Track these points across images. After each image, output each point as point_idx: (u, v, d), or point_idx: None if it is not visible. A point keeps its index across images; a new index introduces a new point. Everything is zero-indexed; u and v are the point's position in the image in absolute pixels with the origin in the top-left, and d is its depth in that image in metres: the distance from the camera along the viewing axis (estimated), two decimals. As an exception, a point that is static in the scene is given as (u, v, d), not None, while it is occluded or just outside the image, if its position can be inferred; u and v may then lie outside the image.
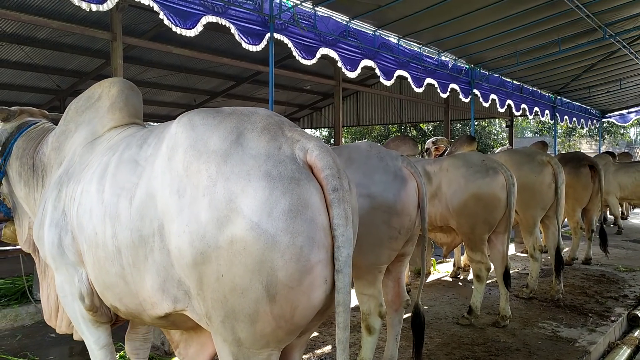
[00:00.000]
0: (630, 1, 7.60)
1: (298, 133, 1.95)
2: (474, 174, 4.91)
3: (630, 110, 16.79)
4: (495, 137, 29.54)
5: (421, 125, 27.45)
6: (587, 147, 34.94)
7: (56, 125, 3.09)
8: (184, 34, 4.91)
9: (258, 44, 5.54)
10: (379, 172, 3.41)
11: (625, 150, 15.51)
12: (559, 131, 29.86)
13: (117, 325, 2.82)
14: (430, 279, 7.12)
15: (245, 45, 5.46)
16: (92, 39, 9.99)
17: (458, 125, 26.82)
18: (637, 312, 5.67)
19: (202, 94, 17.66)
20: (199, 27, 5.00)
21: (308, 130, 27.09)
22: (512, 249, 9.33)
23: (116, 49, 6.95)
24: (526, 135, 42.99)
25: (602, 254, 7.96)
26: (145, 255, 2.02)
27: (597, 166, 7.99)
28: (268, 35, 5.63)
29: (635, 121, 24.74)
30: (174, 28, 4.86)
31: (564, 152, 11.38)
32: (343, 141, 30.74)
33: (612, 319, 5.41)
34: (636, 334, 5.31)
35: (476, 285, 5.12)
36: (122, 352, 3.94)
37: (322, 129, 29.01)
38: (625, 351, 4.77)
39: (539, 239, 6.07)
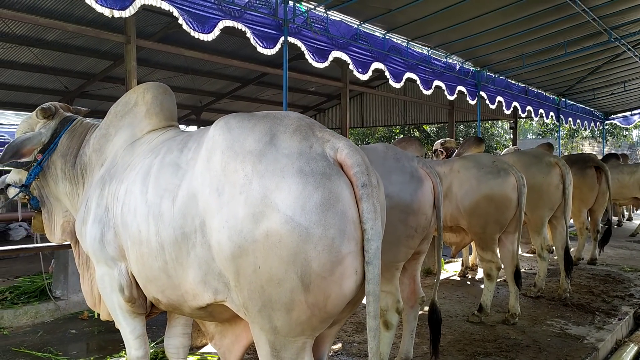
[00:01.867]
0: (635, 5, 7.70)
1: (328, 134, 2.07)
2: (486, 175, 5.02)
3: (633, 112, 16.89)
4: (498, 138, 29.61)
5: (424, 126, 27.54)
6: (589, 149, 35.02)
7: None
8: (202, 38, 5.03)
9: (272, 48, 5.66)
10: (395, 172, 3.52)
11: (624, 152, 15.58)
12: (563, 133, 29.96)
13: (151, 318, 2.94)
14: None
15: (260, 49, 5.57)
16: (100, 40, 10.09)
17: (462, 126, 26.92)
18: (643, 311, 5.79)
19: (208, 95, 17.76)
20: (216, 32, 5.12)
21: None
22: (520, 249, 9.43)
23: (130, 51, 7.06)
24: (528, 136, 43.09)
25: (608, 255, 8.06)
26: (188, 250, 2.14)
27: (603, 168, 8.10)
28: (282, 39, 5.75)
29: (639, 123, 24.86)
30: (192, 33, 4.98)
31: (567, 153, 11.47)
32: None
33: (619, 317, 5.52)
34: (643, 331, 5.43)
35: (486, 284, 5.22)
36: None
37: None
38: (633, 348, 4.88)
39: (546, 238, 6.18)
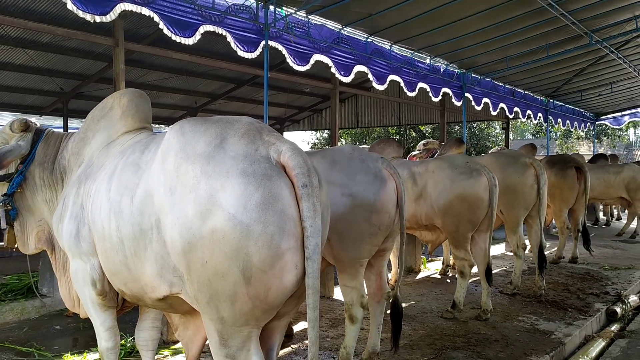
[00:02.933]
0: (614, 9, 7.86)
1: (274, 137, 2.23)
2: (459, 176, 5.18)
3: (624, 113, 17.04)
4: (494, 139, 29.71)
5: (420, 127, 27.65)
6: (586, 149, 35.15)
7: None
8: (183, 42, 5.20)
9: (253, 52, 5.82)
10: (360, 173, 3.69)
11: (621, 153, 15.73)
12: (558, 133, 30.08)
13: (123, 312, 3.10)
14: (420, 276, 7.39)
15: (241, 53, 5.74)
16: (94, 42, 10.24)
17: (457, 127, 27.05)
18: (615, 308, 5.93)
19: (202, 96, 17.85)
20: (197, 36, 5.28)
21: (308, 132, 26.97)
22: (502, 248, 9.59)
23: (118, 54, 7.21)
24: (526, 136, 43.23)
25: (591, 253, 8.20)
26: (145, 245, 2.31)
27: (583, 168, 8.25)
28: (263, 43, 5.92)
29: (632, 123, 25.01)
30: (173, 37, 5.14)
31: (562, 153, 11.64)
32: (344, 142, 31.01)
33: (590, 314, 5.67)
34: (613, 327, 5.58)
35: (460, 281, 5.38)
36: (122, 341, 4.21)
37: (323, 131, 29.25)
38: (600, 343, 5.03)
39: (522, 237, 6.34)
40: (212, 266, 2.06)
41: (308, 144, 31.17)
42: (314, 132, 30.16)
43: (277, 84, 18.01)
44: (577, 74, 11.85)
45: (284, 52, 6.20)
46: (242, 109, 20.82)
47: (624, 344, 4.99)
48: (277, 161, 2.15)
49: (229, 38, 5.59)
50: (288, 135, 25.93)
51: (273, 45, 6.09)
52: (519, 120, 21.96)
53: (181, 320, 2.83)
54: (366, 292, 3.83)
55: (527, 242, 7.06)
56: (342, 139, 29.66)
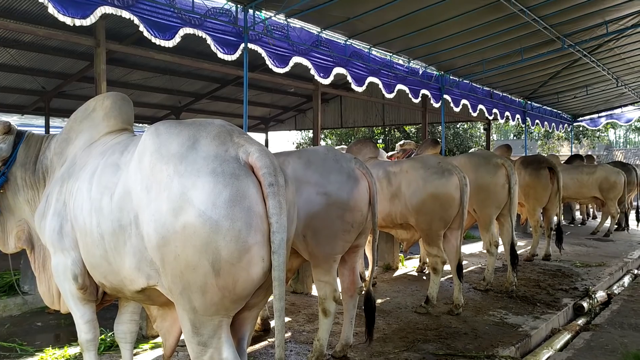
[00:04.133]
0: (585, 14, 8.12)
1: (244, 139, 2.39)
2: (431, 175, 5.37)
3: (600, 114, 17.45)
4: (477, 139, 30.10)
5: (405, 127, 27.91)
6: (566, 150, 35.76)
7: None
8: (162, 44, 5.32)
9: (233, 54, 5.96)
10: (334, 173, 3.86)
11: (590, 154, 16.12)
12: (539, 134, 30.59)
13: (103, 307, 3.23)
14: (397, 273, 7.58)
15: (220, 55, 5.88)
16: (77, 42, 10.27)
17: (440, 127, 27.37)
18: (582, 303, 6.18)
19: (186, 95, 17.83)
20: (177, 39, 5.41)
21: (293, 132, 27.00)
22: (479, 246, 9.82)
23: (99, 54, 7.28)
24: (510, 137, 43.82)
25: (564, 251, 8.46)
26: (125, 240, 2.46)
27: (555, 168, 8.51)
28: (242, 45, 6.06)
29: (609, 125, 25.53)
30: (153, 39, 5.26)
31: (536, 154, 11.94)
32: (329, 142, 31.15)
33: (558, 308, 5.91)
34: (579, 321, 5.82)
35: (433, 277, 5.57)
36: (102, 336, 4.33)
37: (308, 131, 29.39)
38: (565, 336, 5.26)
39: (495, 235, 6.55)
40: (184, 259, 2.20)
41: (293, 143, 31.31)
42: (298, 132, 30.31)
43: (260, 84, 18.11)
44: (552, 77, 12.15)
45: (264, 54, 6.34)
46: (226, 109, 20.85)
47: (588, 336, 5.21)
48: (245, 161, 2.31)
49: (209, 40, 5.73)
50: (273, 135, 26.04)
51: (253, 48, 6.23)
52: (501, 121, 22.33)
53: (159, 312, 2.97)
54: (339, 287, 3.99)
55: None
56: (326, 139, 29.84)
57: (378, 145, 28.25)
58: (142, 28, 5.18)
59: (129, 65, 14.19)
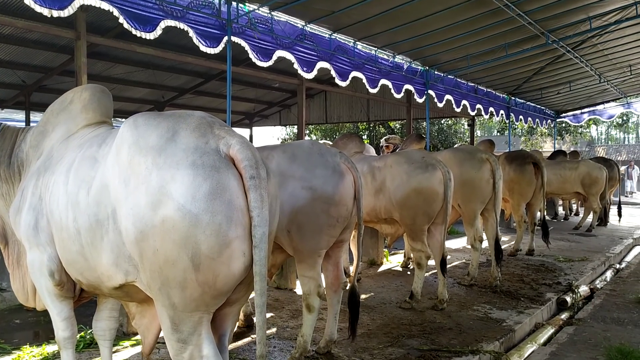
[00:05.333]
0: (569, 9, 8.16)
1: (225, 131, 2.33)
2: (415, 170, 5.35)
3: (583, 110, 17.61)
4: (461, 135, 30.26)
5: (390, 123, 27.95)
6: (550, 146, 36.12)
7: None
8: (143, 36, 5.22)
9: (216, 47, 5.87)
10: (319, 167, 3.81)
11: (575, 149, 16.25)
12: (521, 130, 30.82)
13: (80, 303, 3.15)
14: (382, 268, 7.57)
15: (203, 48, 5.78)
16: (57, 35, 10.08)
17: (424, 123, 27.45)
18: (565, 297, 6.22)
19: (170, 90, 17.66)
20: (158, 31, 5.30)
21: (278, 128, 26.89)
22: (464, 242, 9.85)
23: (80, 47, 7.13)
24: (493, 133, 44.14)
25: (548, 246, 8.50)
26: (102, 235, 2.38)
27: (540, 164, 8.55)
28: (226, 38, 5.97)
29: (592, 121, 25.81)
30: (133, 31, 5.16)
31: (520, 150, 12.03)
32: (314, 138, 31.06)
33: (542, 302, 5.93)
34: (562, 316, 5.85)
35: (417, 272, 5.56)
36: (82, 333, 4.24)
37: (293, 126, 29.31)
38: (549, 330, 5.28)
39: (479, 230, 6.56)
40: (162, 254, 2.14)
41: (278, 139, 31.19)
42: (283, 128, 30.20)
43: (245, 79, 17.98)
44: (536, 73, 12.22)
45: (247, 48, 6.26)
46: (210, 104, 20.70)
47: (571, 330, 5.24)
48: (226, 154, 2.25)
49: (191, 33, 5.63)
50: (257, 130, 25.87)
51: (236, 41, 6.14)
52: (486, 117, 22.45)
53: (138, 309, 2.90)
54: (323, 282, 3.94)
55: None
56: (311, 135, 29.77)
57: (364, 141, 28.30)
58: (122, 20, 5.07)
59: (111, 59, 14.02)
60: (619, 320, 5.56)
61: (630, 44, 10.78)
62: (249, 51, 6.28)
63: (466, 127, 29.80)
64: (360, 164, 5.87)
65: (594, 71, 12.22)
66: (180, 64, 15.46)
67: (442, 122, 29.18)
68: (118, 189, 2.28)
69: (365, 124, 28.17)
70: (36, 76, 13.09)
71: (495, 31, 8.61)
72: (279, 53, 6.67)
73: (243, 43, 6.21)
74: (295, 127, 29.78)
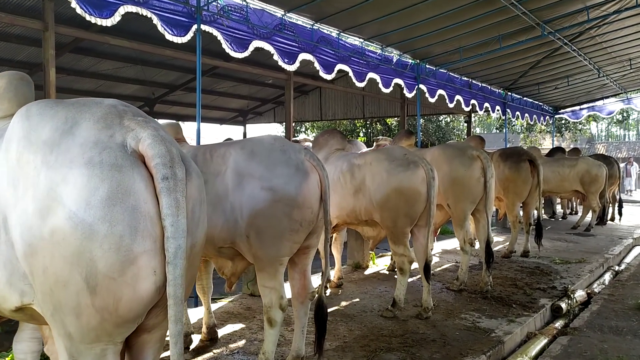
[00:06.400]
0: (566, -1, 7.76)
1: (137, 122, 1.92)
2: (396, 168, 4.95)
3: (582, 106, 17.16)
4: (459, 132, 29.86)
5: (387, 120, 27.57)
6: (549, 143, 35.67)
7: None
8: (99, 22, 4.82)
9: (184, 36, 5.46)
10: (281, 165, 3.41)
11: (576, 146, 15.81)
12: (520, 127, 30.36)
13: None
14: (367, 272, 7.17)
15: (169, 37, 5.38)
16: (23, 26, 9.68)
17: (422, 121, 27.03)
18: (560, 304, 5.81)
19: (160, 87, 17.33)
20: (117, 17, 4.90)
21: (271, 125, 26.54)
22: (456, 242, 9.45)
23: (48, 39, 6.76)
24: (493, 130, 43.65)
25: (544, 247, 8.09)
26: None
27: (536, 161, 8.15)
28: (195, 27, 5.56)
29: (592, 118, 25.37)
30: (87, 17, 4.76)
31: (515, 146, 11.58)
32: (310, 136, 30.70)
33: (535, 310, 5.53)
34: (557, 324, 5.45)
35: (399, 278, 5.16)
36: (8, 358, 3.83)
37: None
38: (541, 341, 4.88)
39: (469, 232, 6.16)
40: (52, 273, 1.75)
41: (306, 141, 30.81)
42: (280, 125, 29.79)
43: (238, 75, 17.61)
44: (533, 67, 11.78)
45: (220, 37, 5.84)
46: (203, 101, 20.35)
47: (566, 341, 4.84)
48: (134, 150, 1.85)
49: (155, 20, 5.22)
50: (251, 128, 25.48)
51: (207, 30, 5.73)
52: (484, 114, 22.00)
53: (51, 333, 2.49)
54: (286, 294, 3.55)
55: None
56: (307, 132, 29.41)
57: (360, 138, 27.77)
58: (74, 4, 4.66)
59: (97, 54, 13.69)
60: (617, 329, 5.16)
61: (630, 37, 10.34)
62: (222, 41, 5.86)
63: (464, 124, 29.40)
64: (340, 162, 5.49)
65: (592, 65, 11.78)
66: (169, 60, 15.08)
67: (440, 119, 28.78)
68: (7, 192, 1.88)
69: (362, 121, 27.82)
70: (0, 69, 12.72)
71: (488, 22, 8.18)
72: (256, 43, 6.25)
73: (215, 32, 5.80)
74: (292, 123, 29.33)
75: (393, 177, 4.91)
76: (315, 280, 6.34)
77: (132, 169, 1.79)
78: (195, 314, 5.02)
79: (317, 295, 3.65)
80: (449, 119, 29.44)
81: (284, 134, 31.02)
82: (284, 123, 28.11)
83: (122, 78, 16.39)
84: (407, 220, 4.96)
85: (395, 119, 26.45)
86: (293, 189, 3.36)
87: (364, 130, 28.99)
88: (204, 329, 4.34)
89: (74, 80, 15.66)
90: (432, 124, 27.81)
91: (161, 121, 4.31)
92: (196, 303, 5.53)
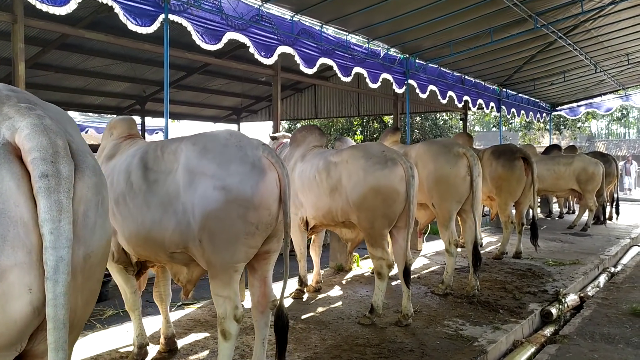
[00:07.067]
0: (559, -11, 7.43)
1: (17, 110, 1.61)
2: (373, 166, 4.64)
3: (579, 103, 16.81)
4: (457, 130, 29.52)
5: (384, 118, 27.28)
6: (548, 141, 35.31)
7: None
8: (51, 11, 4.51)
9: (149, 26, 5.15)
10: (235, 162, 3.10)
11: (573, 144, 15.46)
12: (518, 124, 30.05)
13: None
14: (349, 275, 6.85)
15: (133, 27, 5.06)
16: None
17: (418, 118, 26.71)
18: (550, 309, 5.51)
19: (151, 84, 17.06)
20: (72, 5, 4.59)
21: (267, 122, 26.33)
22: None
23: (17, 31, 6.50)
24: (492, 128, 43.29)
25: (538, 248, 7.78)
26: None
27: (529, 159, 7.84)
28: (162, 16, 5.25)
29: (591, 115, 25.06)
30: (38, 5, 4.46)
31: (507, 143, 11.25)
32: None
33: (523, 315, 5.23)
34: (546, 331, 5.14)
35: (377, 283, 4.85)
36: None
37: (288, 121, 28.58)
38: (528, 350, 4.59)
39: (454, 233, 5.86)
40: None
41: (269, 135, 30.46)
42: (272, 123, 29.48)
43: (231, 73, 17.32)
44: (527, 62, 11.44)
45: (190, 28, 5.52)
46: (195, 99, 20.09)
47: (554, 350, 4.54)
48: (7, 141, 1.54)
49: (117, 9, 4.90)
50: (246, 126, 25.19)
51: (176, 20, 5.42)
52: (483, 112, 21.68)
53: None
54: (241, 304, 3.24)
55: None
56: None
57: (357, 137, 27.39)
58: (23, -9, 4.37)
59: (86, 51, 13.44)
60: (609, 336, 4.85)
61: (627, 30, 9.99)
62: (192, 32, 5.55)
63: (470, 121, 29.06)
64: (317, 159, 5.20)
65: (589, 60, 11.44)
66: (159, 57, 14.78)
67: (438, 116, 28.45)
68: None
69: (358, 119, 27.52)
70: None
71: (478, 13, 7.84)
72: (230, 35, 5.93)
73: (185, 23, 5.48)
74: (286, 122, 29.08)
75: (370, 175, 4.61)
76: (287, 289, 6.06)
77: (1, 165, 1.48)
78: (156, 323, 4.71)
79: (277, 305, 3.35)
80: (446, 117, 29.10)
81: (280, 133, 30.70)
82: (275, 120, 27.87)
83: (112, 75, 16.12)
84: (384, 221, 4.65)
85: (391, 116, 26.18)
86: (248, 189, 3.06)
87: (360, 128, 28.69)
88: (161, 340, 4.04)
89: (63, 78, 15.39)
90: (428, 122, 27.49)
91: (120, 117, 4.02)
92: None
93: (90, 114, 22.22)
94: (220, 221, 3.05)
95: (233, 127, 23.61)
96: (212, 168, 3.09)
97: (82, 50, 13.41)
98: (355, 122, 29.10)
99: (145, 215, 3.24)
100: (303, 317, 5.05)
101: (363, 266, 7.24)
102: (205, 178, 3.07)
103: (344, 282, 6.49)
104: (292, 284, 5.92)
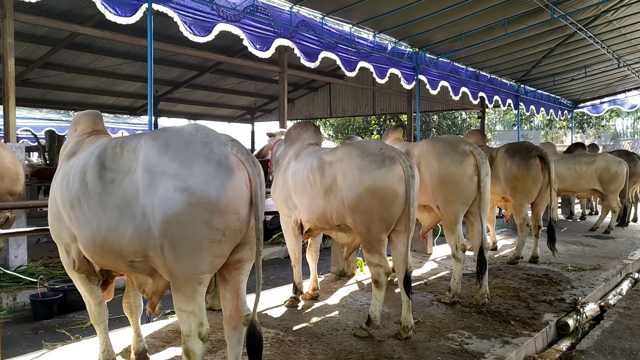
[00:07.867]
0: (577, -24, 6.94)
1: None
2: (369, 165, 4.25)
3: (602, 100, 16.12)
4: (475, 128, 28.88)
5: (401, 117, 26.82)
6: (570, 139, 34.33)
7: None
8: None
9: (130, 16, 4.84)
10: (199, 160, 2.75)
11: (593, 142, 14.78)
12: (540, 122, 29.26)
13: None
14: (351, 281, 6.46)
15: (111, 17, 4.76)
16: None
17: (435, 117, 26.19)
18: (567, 320, 5.05)
19: (163, 84, 17.02)
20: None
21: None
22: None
23: (6, 27, 6.34)
24: (514, 128, 42.39)
25: (557, 251, 7.30)
26: None
27: (546, 157, 7.36)
28: (145, 5, 4.94)
29: (615, 113, 24.20)
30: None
31: (523, 141, 10.75)
32: (325, 134, 30.13)
33: (536, 327, 4.78)
34: (562, 345, 4.69)
35: (375, 292, 4.46)
36: None
37: (296, 121, 28.35)
38: (540, 367, 4.15)
39: (462, 237, 5.44)
40: None
41: (266, 133, 30.26)
42: (289, 122, 29.26)
43: (244, 72, 17.12)
44: (546, 56, 10.89)
45: (176, 18, 5.21)
46: (208, 98, 20.02)
47: (569, 368, 4.10)
48: None
49: (95, -2, 4.63)
50: (260, 126, 24.93)
51: (160, 10, 5.11)
52: (504, 110, 21.03)
53: None
54: (207, 320, 2.89)
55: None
56: (322, 130, 28.89)
57: (374, 136, 27.05)
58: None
59: (96, 51, 13.45)
60: (632, 352, 4.39)
61: (653, 21, 9.43)
62: (180, 23, 5.23)
63: (491, 119, 28.39)
64: (311, 158, 4.82)
65: (611, 54, 10.84)
66: (170, 56, 14.69)
67: (456, 115, 27.87)
68: None
69: (375, 118, 27.14)
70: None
71: (491, 3, 7.38)
72: (221, 27, 5.60)
73: (171, 12, 5.17)
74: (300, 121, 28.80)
75: (366, 175, 4.22)
76: (281, 296, 5.70)
77: None
78: (146, 331, 4.39)
79: (250, 320, 2.98)
80: (465, 115, 28.50)
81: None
82: (293, 120, 27.61)
83: (124, 75, 16.11)
84: (382, 224, 4.26)
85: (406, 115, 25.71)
86: (214, 190, 2.71)
87: (377, 128, 28.28)
88: (132, 356, 3.71)
89: (74, 78, 15.38)
90: (446, 121, 26.95)
91: (84, 112, 3.73)
92: (149, 319, 4.91)
93: (105, 114, 22.32)
94: (182, 227, 2.71)
95: (247, 127, 23.40)
96: (173, 167, 2.74)
97: (93, 50, 13.38)
98: (372, 122, 28.71)
99: (100, 220, 2.91)
100: (295, 328, 4.68)
101: (366, 272, 6.83)
102: (166, 178, 2.73)
103: (344, 288, 6.10)
104: (288, 292, 5.57)
